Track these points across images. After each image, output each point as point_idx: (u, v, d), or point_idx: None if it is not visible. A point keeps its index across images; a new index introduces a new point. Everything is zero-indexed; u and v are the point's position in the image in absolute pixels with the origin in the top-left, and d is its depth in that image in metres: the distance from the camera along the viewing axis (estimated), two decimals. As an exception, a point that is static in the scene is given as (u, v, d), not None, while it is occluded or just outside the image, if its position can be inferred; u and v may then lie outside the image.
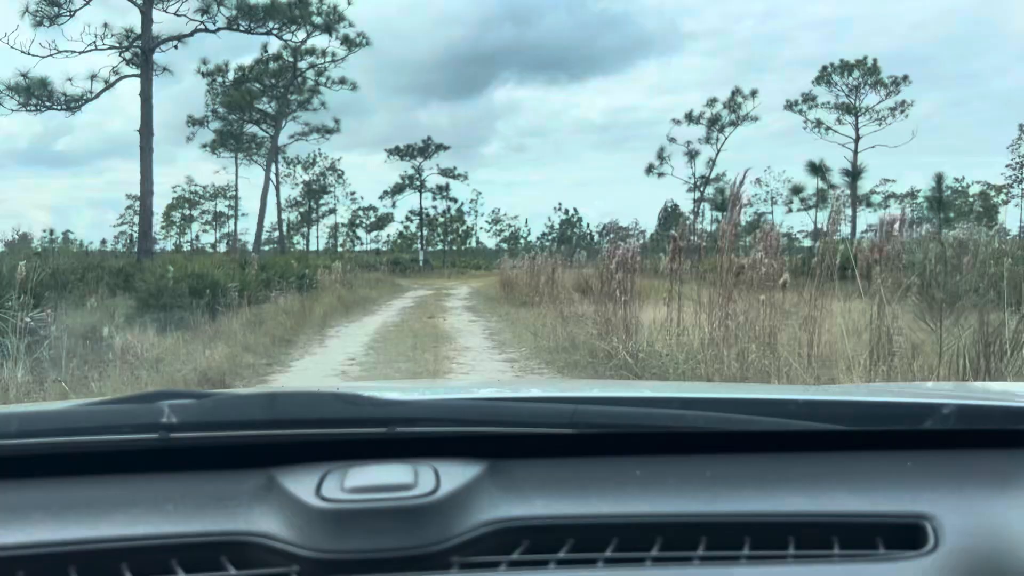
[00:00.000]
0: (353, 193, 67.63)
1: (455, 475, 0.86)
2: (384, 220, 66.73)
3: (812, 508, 0.87)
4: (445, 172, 60.63)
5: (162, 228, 60.83)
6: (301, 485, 0.85)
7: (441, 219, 64.19)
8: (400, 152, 62.18)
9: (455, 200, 62.36)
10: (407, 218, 64.97)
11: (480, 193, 49.03)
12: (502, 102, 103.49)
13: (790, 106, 46.01)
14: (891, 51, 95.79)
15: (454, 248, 67.71)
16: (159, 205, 54.40)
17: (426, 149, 62.28)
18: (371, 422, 0.92)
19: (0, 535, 0.81)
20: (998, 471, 0.97)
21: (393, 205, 64.55)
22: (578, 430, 0.93)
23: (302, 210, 60.60)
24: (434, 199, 62.35)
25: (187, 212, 65.18)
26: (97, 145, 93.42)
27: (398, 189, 63.56)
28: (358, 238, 68.17)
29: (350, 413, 0.93)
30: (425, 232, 63.65)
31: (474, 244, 71.35)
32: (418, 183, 62.54)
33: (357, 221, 66.99)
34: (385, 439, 0.91)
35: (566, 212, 71.48)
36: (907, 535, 0.84)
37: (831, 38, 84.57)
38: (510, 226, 70.46)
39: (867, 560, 0.82)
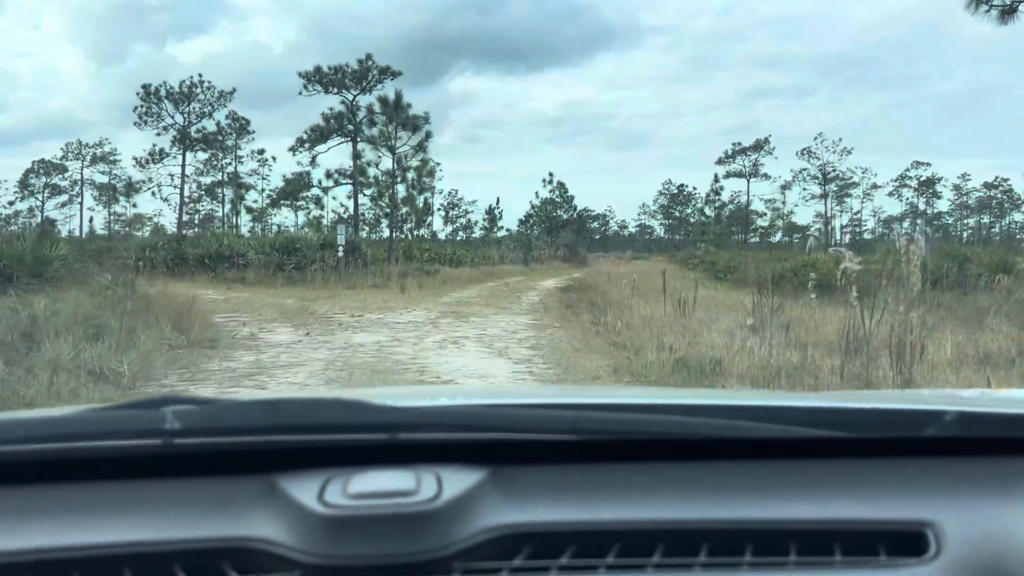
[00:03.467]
0: (262, 152, 56.13)
1: (457, 481, 0.85)
2: (297, 186, 45.88)
3: (814, 515, 0.86)
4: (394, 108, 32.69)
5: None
6: (303, 491, 0.84)
7: (384, 182, 34.61)
8: (323, 78, 43.24)
9: (423, 152, 33.64)
10: (329, 178, 41.04)
11: (439, 164, 33.74)
12: (458, 91, 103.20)
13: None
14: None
15: (407, 233, 52.08)
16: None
17: (365, 75, 41.98)
18: (374, 428, 0.91)
19: (4, 541, 0.81)
20: (1000, 478, 0.95)
21: (312, 163, 43.55)
22: (581, 436, 0.92)
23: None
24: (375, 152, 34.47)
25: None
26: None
27: (319, 136, 43.50)
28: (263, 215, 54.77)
29: (353, 419, 0.92)
30: (366, 203, 41.19)
31: (425, 232, 56.14)
32: (352, 127, 41.60)
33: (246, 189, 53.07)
34: (388, 445, 0.90)
35: (556, 188, 62.37)
36: (909, 542, 0.84)
37: (785, 36, 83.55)
38: (467, 212, 66.81)
39: (869, 567, 0.82)
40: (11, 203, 76.91)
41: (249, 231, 50.06)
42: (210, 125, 57.42)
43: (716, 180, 74.82)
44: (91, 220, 75.54)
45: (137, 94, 54.63)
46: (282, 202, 51.92)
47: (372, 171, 33.00)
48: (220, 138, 58.75)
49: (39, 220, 73.77)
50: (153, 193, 58.47)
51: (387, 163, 31.86)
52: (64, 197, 78.82)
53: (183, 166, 56.50)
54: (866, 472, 0.95)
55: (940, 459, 0.99)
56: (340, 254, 26.08)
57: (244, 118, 62.12)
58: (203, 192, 64.33)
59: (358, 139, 50.57)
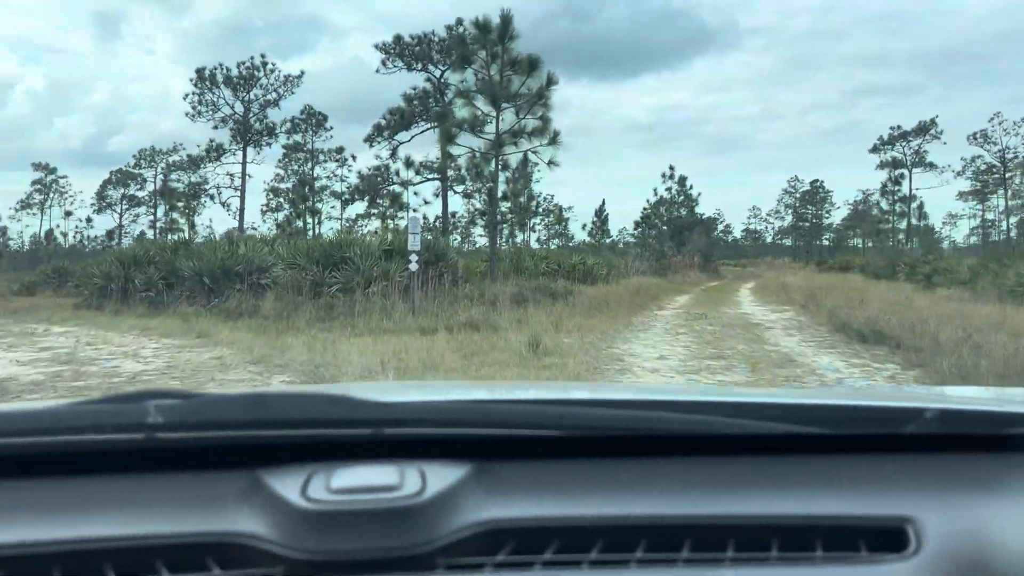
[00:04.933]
0: (340, 150, 49.87)
1: (442, 476, 0.84)
2: (374, 182, 37.97)
3: (795, 511, 0.86)
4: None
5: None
6: (287, 486, 0.83)
7: (483, 158, 20.74)
8: (405, 51, 35.55)
9: (544, 106, 19.87)
10: (410, 167, 33.25)
11: (558, 136, 18.98)
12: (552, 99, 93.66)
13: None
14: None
15: (510, 240, 43.85)
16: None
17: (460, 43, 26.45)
18: (358, 423, 0.89)
19: None
20: (980, 475, 0.96)
21: (392, 155, 36.12)
22: (564, 432, 0.92)
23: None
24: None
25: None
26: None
27: (400, 120, 35.94)
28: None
29: (337, 414, 0.90)
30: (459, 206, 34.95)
31: (522, 238, 47.92)
32: (439, 109, 33.79)
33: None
34: (372, 440, 0.88)
35: (678, 184, 52.17)
36: (889, 538, 0.84)
37: (889, 33, 73.44)
38: (564, 217, 57.70)
39: (850, 563, 0.81)
40: (89, 219, 71.15)
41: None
42: (275, 116, 48.20)
43: (893, 167, 60.67)
44: (156, 232, 68.17)
45: (190, 80, 45.87)
46: (357, 200, 41.60)
47: (461, 151, 21.43)
48: (289, 131, 49.27)
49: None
50: (212, 196, 49.56)
51: (479, 142, 20.37)
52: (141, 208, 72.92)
53: (243, 164, 47.37)
54: (847, 468, 0.95)
55: (921, 455, 0.99)
56: (413, 266, 15.25)
57: (320, 112, 52.60)
58: (283, 199, 55.41)
59: (447, 123, 41.12)
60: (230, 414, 0.88)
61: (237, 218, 47.54)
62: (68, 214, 70.05)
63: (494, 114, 19.96)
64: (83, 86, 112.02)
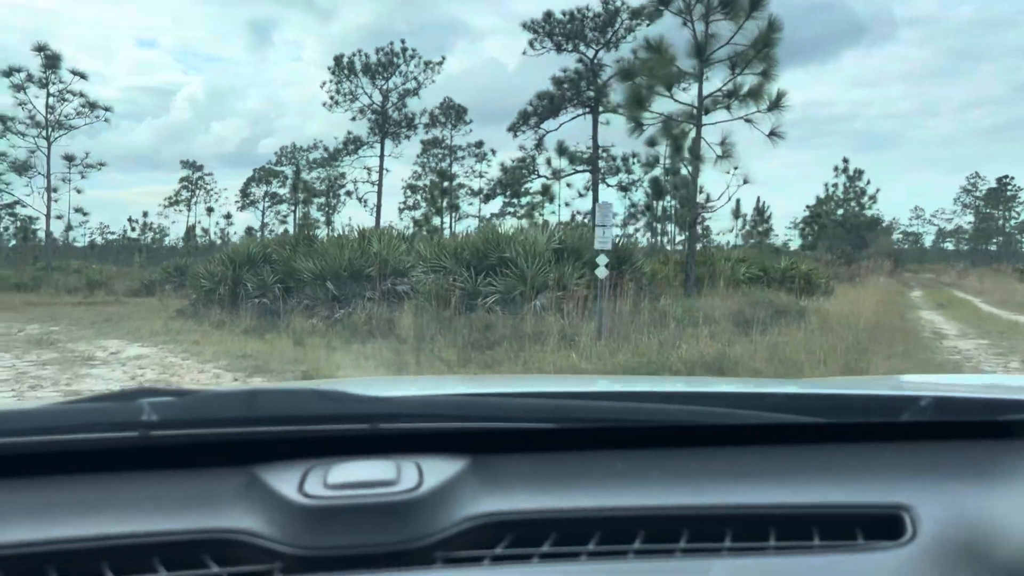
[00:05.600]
0: (479, 144, 44.45)
1: (438, 470, 0.83)
2: (518, 175, 34.11)
3: (792, 500, 0.86)
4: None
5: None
6: (283, 482, 0.82)
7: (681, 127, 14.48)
8: (555, 29, 31.74)
9: (768, 61, 14.21)
10: (564, 155, 30.50)
11: (773, 134, 14.16)
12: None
13: None
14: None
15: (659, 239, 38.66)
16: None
17: (611, 22, 30.27)
18: (353, 418, 0.89)
19: None
20: (974, 462, 0.95)
21: (538, 145, 32.79)
22: (560, 425, 0.91)
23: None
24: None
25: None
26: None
27: (549, 106, 32.35)
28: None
29: (332, 410, 0.89)
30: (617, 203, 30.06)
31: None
32: (593, 92, 30.73)
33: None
34: (368, 435, 0.88)
35: (848, 178, 45.48)
36: (886, 526, 0.83)
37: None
38: (765, 216, 51.64)
39: (846, 551, 0.81)
40: (228, 216, 71.33)
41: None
42: (414, 106, 45.04)
43: None
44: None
45: (328, 68, 43.32)
46: (499, 194, 37.59)
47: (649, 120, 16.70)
48: (428, 125, 46.03)
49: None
50: (348, 192, 46.89)
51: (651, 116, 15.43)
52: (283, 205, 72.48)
53: (381, 156, 44.34)
54: (844, 457, 0.95)
55: (916, 443, 0.99)
56: (601, 271, 10.78)
57: (460, 105, 49.15)
58: (420, 196, 52.47)
59: (600, 109, 36.40)
60: (225, 411, 0.87)
61: (374, 215, 44.71)
62: (210, 210, 70.13)
63: (694, 70, 15.15)
64: (237, 92, 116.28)
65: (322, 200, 54.71)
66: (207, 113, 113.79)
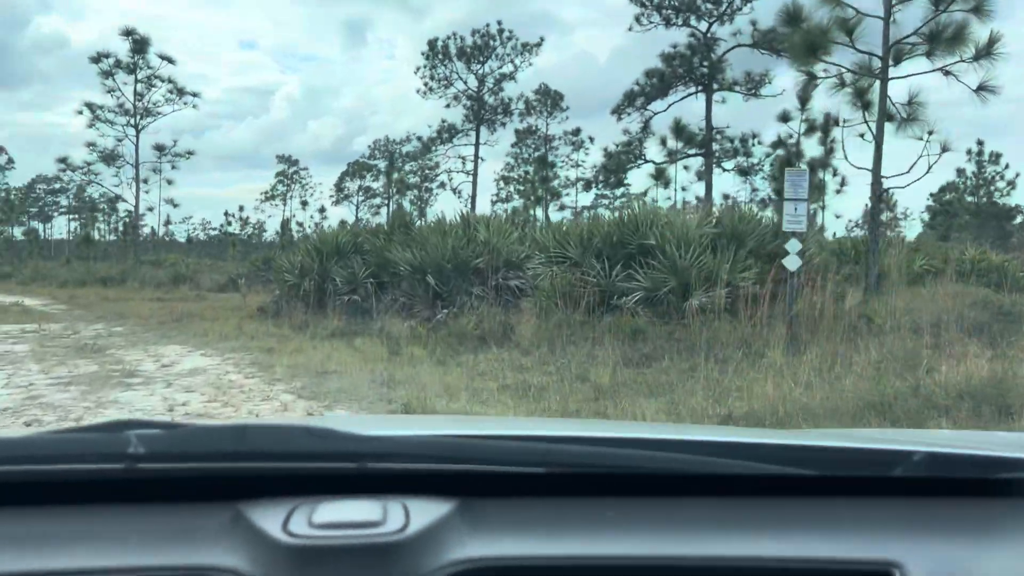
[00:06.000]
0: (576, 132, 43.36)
1: (425, 512, 0.82)
2: (622, 161, 30.88)
3: (783, 553, 0.85)
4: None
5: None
6: (268, 519, 0.81)
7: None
8: (666, 1, 28.97)
9: None
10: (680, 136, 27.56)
11: (983, 89, 11.24)
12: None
13: None
14: None
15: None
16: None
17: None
18: (341, 457, 0.87)
19: None
20: (967, 519, 0.94)
21: (645, 128, 29.66)
22: (550, 469, 0.90)
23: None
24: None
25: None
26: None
27: (659, 84, 29.61)
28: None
29: (320, 447, 0.88)
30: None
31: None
32: (706, 68, 28.55)
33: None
34: (355, 475, 0.86)
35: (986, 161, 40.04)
36: None
37: None
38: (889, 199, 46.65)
39: None
40: (322, 209, 71.05)
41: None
42: (510, 91, 42.65)
43: None
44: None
45: (422, 53, 41.33)
46: (601, 182, 34.74)
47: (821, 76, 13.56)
48: (523, 113, 43.52)
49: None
50: (442, 184, 44.77)
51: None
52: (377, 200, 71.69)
53: (476, 144, 42.07)
54: (835, 510, 0.94)
55: (909, 499, 0.97)
56: (792, 263, 7.99)
57: (556, 91, 46.43)
58: (513, 188, 50.15)
59: (714, 86, 33.06)
60: (212, 446, 0.87)
61: (469, 206, 42.51)
62: (304, 204, 69.73)
63: (877, 14, 12.03)
64: (332, 90, 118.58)
65: (415, 194, 52.94)
66: (304, 112, 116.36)
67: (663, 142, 28.38)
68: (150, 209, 36.76)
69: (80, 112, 32.49)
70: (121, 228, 48.83)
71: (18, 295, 22.00)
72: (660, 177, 28.86)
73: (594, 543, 0.83)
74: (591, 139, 48.03)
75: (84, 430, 0.91)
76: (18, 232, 62.68)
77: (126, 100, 32.66)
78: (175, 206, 38.01)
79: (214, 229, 76.02)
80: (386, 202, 70.80)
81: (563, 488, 0.90)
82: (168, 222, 63.72)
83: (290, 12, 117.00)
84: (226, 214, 72.25)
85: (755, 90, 33.65)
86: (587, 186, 36.25)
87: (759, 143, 31.73)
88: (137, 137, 32.92)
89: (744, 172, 31.83)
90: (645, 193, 28.17)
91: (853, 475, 0.97)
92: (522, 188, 49.93)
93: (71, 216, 68.79)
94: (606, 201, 39.02)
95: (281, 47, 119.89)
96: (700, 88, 32.45)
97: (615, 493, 0.91)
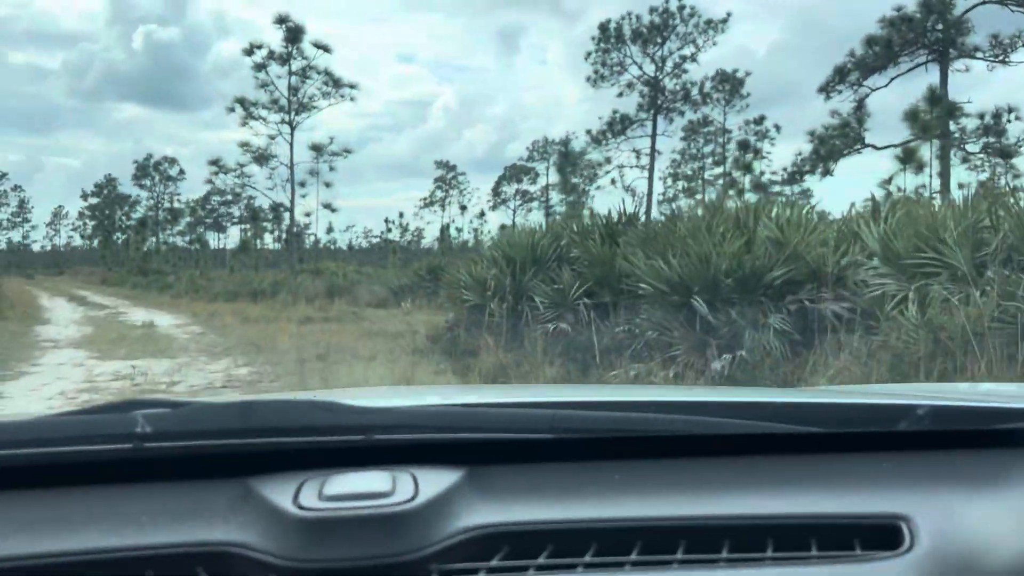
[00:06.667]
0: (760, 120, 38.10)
1: (434, 482, 0.82)
2: (835, 148, 26.53)
3: (790, 510, 0.85)
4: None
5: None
6: (278, 494, 0.81)
7: None
8: None
9: None
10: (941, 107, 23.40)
11: None
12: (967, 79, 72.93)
13: None
14: None
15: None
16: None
17: None
18: (349, 430, 0.88)
19: None
20: (972, 472, 0.94)
21: (859, 108, 25.80)
22: (557, 435, 0.90)
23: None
24: None
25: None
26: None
27: (883, 53, 25.22)
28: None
29: (327, 421, 0.88)
30: None
31: None
32: (941, 33, 24.16)
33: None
34: (363, 447, 0.87)
35: None
36: (884, 536, 0.82)
37: None
38: None
39: (844, 561, 0.80)
40: (482, 214, 68.90)
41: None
42: (690, 75, 37.85)
43: None
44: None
45: (593, 38, 37.25)
46: (807, 172, 29.29)
47: None
48: (696, 103, 38.58)
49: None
50: (613, 181, 40.41)
51: None
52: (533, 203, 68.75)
53: (653, 135, 37.48)
54: (841, 467, 0.94)
55: (914, 453, 0.97)
56: None
57: (736, 75, 40.99)
58: (681, 184, 45.26)
59: (950, 55, 27.05)
60: (220, 423, 0.86)
61: (643, 206, 38.01)
62: (463, 208, 67.55)
63: None
64: (486, 98, 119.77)
65: (572, 197, 48.89)
66: (459, 121, 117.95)
67: (914, 115, 22.69)
68: (308, 215, 34.50)
69: (232, 109, 30.47)
70: (284, 237, 47.84)
71: (162, 310, 19.70)
72: (910, 159, 23.24)
73: (602, 506, 0.83)
74: (777, 127, 42.36)
75: (91, 411, 0.91)
76: (180, 241, 64.10)
77: (280, 95, 30.52)
78: (333, 211, 35.62)
79: (375, 237, 75.52)
80: (544, 204, 67.42)
81: (570, 453, 0.91)
82: (330, 229, 63.12)
83: (446, 25, 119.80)
84: (386, 220, 71.44)
85: (1004, 56, 27.45)
86: (790, 178, 30.82)
87: (1017, 118, 25.50)
88: (292, 135, 30.61)
89: (1005, 154, 25.51)
90: (889, 180, 22.89)
91: (858, 431, 0.97)
92: (689, 185, 44.93)
93: (242, 226, 69.83)
94: (784, 194, 33.35)
95: (437, 59, 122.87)
96: (933, 56, 26.60)
97: (622, 457, 0.91)
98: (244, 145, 30.92)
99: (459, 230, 67.98)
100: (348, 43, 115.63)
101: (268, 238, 60.33)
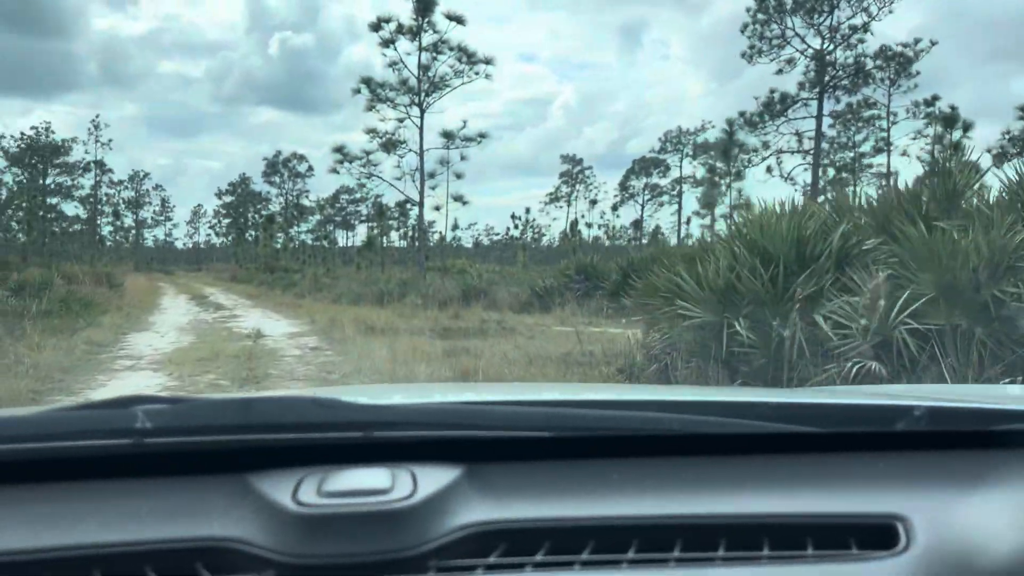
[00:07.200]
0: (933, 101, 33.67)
1: (433, 479, 0.83)
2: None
3: (786, 509, 0.85)
4: None
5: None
6: (277, 490, 0.81)
7: None
8: None
9: None
10: None
11: None
12: None
13: None
14: None
15: None
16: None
17: None
18: (348, 426, 0.88)
19: None
20: (968, 472, 0.94)
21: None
22: (555, 433, 0.91)
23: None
24: None
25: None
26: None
27: None
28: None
29: (327, 417, 0.88)
30: None
31: None
32: None
33: None
34: (363, 443, 0.87)
35: None
36: (879, 535, 0.83)
37: None
38: None
39: (840, 560, 0.80)
40: (615, 207, 65.48)
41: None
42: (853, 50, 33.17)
43: None
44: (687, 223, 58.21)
45: (748, 10, 33.09)
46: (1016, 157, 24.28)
47: None
48: (852, 85, 33.73)
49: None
50: (768, 169, 36.03)
51: None
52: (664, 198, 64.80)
53: (819, 116, 32.94)
54: (837, 467, 0.94)
55: (910, 453, 0.97)
56: None
57: (901, 52, 35.66)
58: (837, 171, 40.36)
59: None
60: (219, 419, 0.87)
61: (799, 197, 33.55)
62: (593, 203, 64.29)
63: None
64: (607, 95, 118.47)
65: (703, 189, 44.51)
66: (579, 118, 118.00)
67: None
68: (437, 208, 31.88)
69: (357, 91, 28.16)
70: (411, 233, 45.96)
71: (280, 313, 17.39)
72: None
73: (600, 504, 0.83)
74: (953, 108, 36.73)
75: (91, 407, 0.90)
76: (309, 239, 63.62)
77: (410, 75, 28.03)
78: (464, 203, 32.86)
79: (497, 234, 73.19)
80: (676, 199, 63.11)
81: (568, 451, 0.91)
82: (455, 227, 61.16)
83: (567, 22, 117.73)
84: (513, 216, 68.92)
85: None
86: (998, 160, 25.85)
87: None
88: (421, 117, 28.15)
89: None
90: None
91: (855, 431, 0.97)
92: (844, 176, 39.90)
93: (369, 224, 69.12)
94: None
95: (558, 57, 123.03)
96: None
97: (620, 455, 0.91)
98: (371, 131, 28.56)
99: (588, 225, 64.75)
100: (471, 44, 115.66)
101: (394, 236, 58.99)
